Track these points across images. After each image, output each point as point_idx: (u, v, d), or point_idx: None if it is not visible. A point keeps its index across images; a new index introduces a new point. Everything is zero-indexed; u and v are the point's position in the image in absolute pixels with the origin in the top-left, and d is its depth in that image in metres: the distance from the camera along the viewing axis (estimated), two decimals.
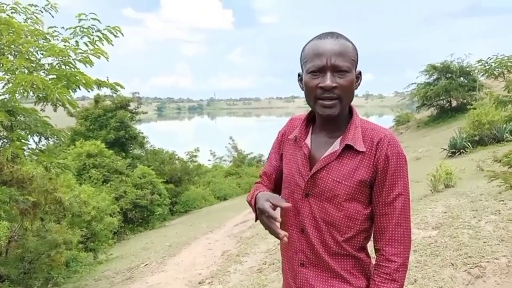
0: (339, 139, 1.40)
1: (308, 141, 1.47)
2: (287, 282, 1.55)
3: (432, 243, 3.89)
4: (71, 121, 17.80)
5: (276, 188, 1.63)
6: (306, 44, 1.43)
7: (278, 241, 4.66)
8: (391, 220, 1.36)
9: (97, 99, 17.82)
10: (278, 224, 1.37)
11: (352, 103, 1.46)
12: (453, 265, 3.38)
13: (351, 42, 1.41)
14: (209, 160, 25.64)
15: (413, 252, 3.81)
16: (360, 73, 1.44)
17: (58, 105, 6.56)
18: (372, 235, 1.44)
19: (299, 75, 1.47)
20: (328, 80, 1.34)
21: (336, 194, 1.37)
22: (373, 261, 1.45)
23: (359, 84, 1.44)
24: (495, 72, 8.72)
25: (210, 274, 5.39)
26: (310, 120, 1.51)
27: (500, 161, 8.36)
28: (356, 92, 1.47)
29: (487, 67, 8.73)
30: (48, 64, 6.29)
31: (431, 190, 6.53)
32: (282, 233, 1.34)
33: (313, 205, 1.41)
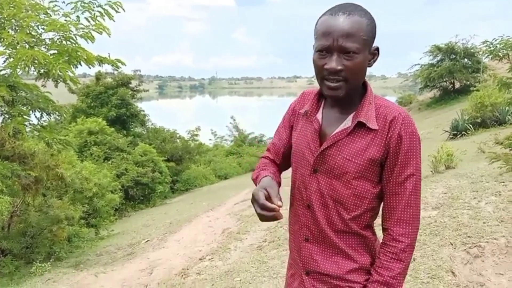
0: (351, 116, 1.37)
1: (319, 116, 1.44)
2: (293, 255, 1.55)
3: (431, 222, 3.91)
4: (72, 98, 17.74)
5: (284, 161, 1.62)
6: (319, 18, 1.36)
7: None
8: (401, 200, 1.34)
9: (98, 76, 17.73)
10: (271, 213, 1.31)
11: None
12: (452, 244, 3.40)
13: (367, 16, 1.32)
14: (210, 139, 25.67)
15: None
16: (377, 49, 1.36)
17: (59, 81, 6.54)
18: (381, 214, 1.43)
19: (313, 46, 1.39)
20: (333, 62, 1.29)
21: (346, 171, 1.35)
22: (380, 239, 1.44)
23: (375, 61, 1.38)
24: (500, 53, 8.64)
25: (211, 250, 5.45)
26: (322, 94, 1.46)
27: (502, 143, 8.35)
28: None
29: (492, 48, 8.65)
30: (49, 39, 6.24)
31: (431, 171, 6.55)
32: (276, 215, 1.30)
33: (321, 181, 1.39)
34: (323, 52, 1.31)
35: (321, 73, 1.33)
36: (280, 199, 1.34)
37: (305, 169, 1.44)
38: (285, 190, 1.52)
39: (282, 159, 1.62)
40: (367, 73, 1.42)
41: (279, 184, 1.51)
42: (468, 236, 3.44)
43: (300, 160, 1.46)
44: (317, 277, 1.43)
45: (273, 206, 1.30)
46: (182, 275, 4.51)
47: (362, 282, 1.39)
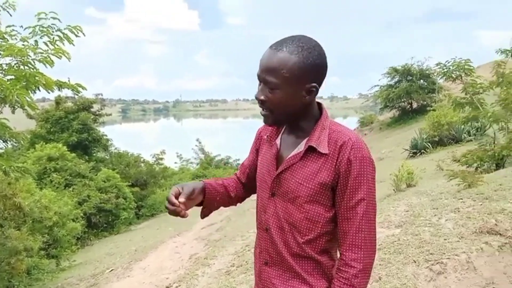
0: (305, 140, 1.39)
1: (278, 140, 1.49)
2: (256, 279, 1.56)
3: (395, 241, 3.99)
4: (31, 123, 17.21)
5: (249, 182, 1.68)
6: None
7: (247, 242, 4.74)
8: (352, 225, 1.34)
9: (58, 101, 17.32)
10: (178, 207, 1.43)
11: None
12: (415, 262, 3.48)
13: (300, 55, 1.31)
14: (175, 162, 25.35)
15: (377, 250, 3.88)
16: (314, 87, 1.35)
17: (16, 107, 6.34)
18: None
19: None
20: (258, 92, 1.37)
21: (298, 195, 1.37)
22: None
23: (312, 97, 1.37)
24: (453, 74, 9.08)
25: (178, 278, 5.34)
26: None
27: (459, 160, 8.71)
28: (321, 94, 1.45)
29: (446, 70, 9.08)
30: (6, 64, 6.07)
31: (394, 190, 6.71)
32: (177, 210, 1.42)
33: (278, 205, 1.42)
34: (259, 80, 1.38)
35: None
36: (187, 198, 1.44)
37: (265, 192, 1.47)
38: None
39: (247, 179, 1.69)
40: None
41: (211, 196, 1.58)
42: (431, 253, 3.53)
43: (261, 184, 1.50)
44: None
45: (174, 201, 1.41)
46: None
47: None
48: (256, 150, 1.64)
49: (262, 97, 1.36)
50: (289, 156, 1.41)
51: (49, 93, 6.55)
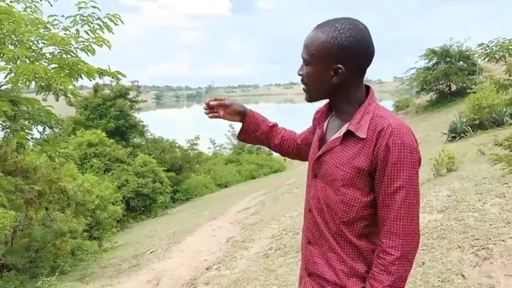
0: (346, 124, 1.40)
1: (325, 124, 1.52)
2: (302, 257, 1.59)
3: (438, 226, 3.93)
4: (71, 110, 17.74)
5: (302, 145, 1.80)
6: None
7: (283, 226, 4.80)
8: (390, 212, 1.33)
9: (96, 88, 17.73)
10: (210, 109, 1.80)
11: None
12: (460, 247, 3.42)
13: (331, 35, 1.34)
14: (209, 148, 25.65)
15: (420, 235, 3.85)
16: (340, 68, 1.36)
17: (60, 94, 6.56)
18: None
19: None
20: (299, 68, 1.47)
21: (335, 178, 1.38)
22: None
23: (339, 79, 1.38)
24: (496, 55, 8.73)
25: (217, 260, 5.45)
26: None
27: (501, 144, 8.41)
28: None
29: (488, 50, 8.74)
30: (50, 53, 6.27)
31: (434, 175, 6.56)
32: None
33: (318, 186, 1.45)
34: None
35: None
36: (219, 104, 1.77)
37: (309, 173, 1.51)
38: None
39: (301, 142, 1.81)
40: (365, 78, 1.46)
41: (252, 125, 1.80)
42: (476, 239, 3.46)
43: (308, 164, 1.55)
44: (317, 280, 1.46)
45: (207, 101, 1.79)
46: (190, 285, 4.51)
47: None
48: (313, 129, 1.69)
49: (300, 72, 1.46)
50: (330, 140, 1.43)
51: (90, 80, 6.73)
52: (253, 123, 1.80)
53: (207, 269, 5.06)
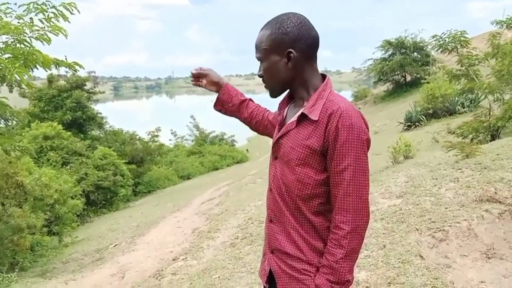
0: (302, 109, 1.52)
1: (286, 110, 1.66)
2: (265, 240, 1.69)
3: (397, 211, 4.11)
4: (23, 102, 17.03)
5: (269, 124, 1.93)
6: None
7: (249, 216, 4.88)
8: (340, 189, 1.43)
9: (50, 79, 17.07)
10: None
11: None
12: (418, 230, 3.60)
13: (275, 27, 1.51)
14: (170, 139, 25.30)
15: (380, 220, 4.02)
16: (290, 52, 1.50)
17: (14, 85, 6.30)
18: None
19: None
20: (258, 70, 1.60)
21: (290, 158, 1.49)
22: None
23: (294, 61, 1.51)
24: (449, 46, 9.10)
25: (183, 251, 5.45)
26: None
27: (454, 132, 8.83)
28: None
29: (442, 42, 9.09)
30: (3, 42, 6.00)
31: (392, 162, 6.82)
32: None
33: (277, 167, 1.56)
34: None
35: None
36: (199, 73, 1.95)
37: (271, 155, 1.63)
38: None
39: (268, 121, 1.94)
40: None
41: (230, 101, 1.94)
42: (432, 222, 3.65)
43: (270, 147, 1.66)
44: (279, 255, 1.56)
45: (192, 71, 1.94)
46: (157, 277, 4.50)
47: (316, 264, 1.50)
48: (277, 115, 1.79)
49: (259, 73, 1.59)
50: (287, 123, 1.55)
51: (46, 71, 6.51)
52: (227, 95, 1.94)
53: (173, 260, 5.06)
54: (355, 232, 1.43)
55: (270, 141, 1.72)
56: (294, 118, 1.53)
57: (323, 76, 1.58)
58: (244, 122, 2.00)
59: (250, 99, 1.99)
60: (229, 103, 1.95)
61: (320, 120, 1.45)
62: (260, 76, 1.60)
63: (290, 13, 1.54)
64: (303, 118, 1.49)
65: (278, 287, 1.56)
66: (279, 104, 1.71)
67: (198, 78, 1.95)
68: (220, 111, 2.00)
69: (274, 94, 1.62)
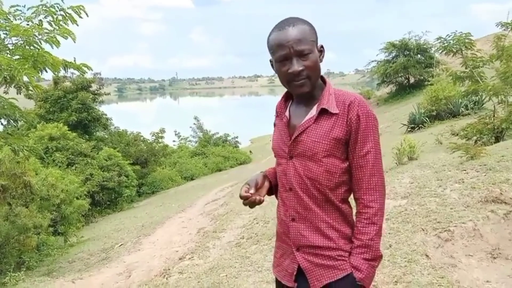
0: (315, 106, 1.60)
1: (287, 113, 1.69)
2: (280, 238, 1.71)
3: (402, 211, 4.14)
4: (29, 103, 17.14)
5: None
6: (269, 36, 1.61)
7: (254, 216, 4.93)
8: (365, 171, 1.55)
9: (56, 80, 17.18)
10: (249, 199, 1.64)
11: None
12: (423, 230, 3.64)
13: (308, 23, 1.58)
14: (174, 141, 25.43)
15: (385, 220, 4.06)
16: (322, 46, 1.62)
17: (22, 87, 6.36)
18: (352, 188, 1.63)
19: (270, 61, 1.66)
20: (295, 66, 1.54)
21: (316, 151, 1.56)
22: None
23: (323, 57, 1.62)
24: (453, 48, 9.11)
25: (189, 250, 5.50)
26: (289, 97, 1.72)
27: (458, 134, 8.84)
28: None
29: (446, 44, 9.11)
30: (12, 44, 6.07)
31: (396, 163, 6.85)
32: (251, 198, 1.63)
33: (297, 165, 1.60)
34: (283, 61, 1.57)
35: (287, 78, 1.59)
36: (256, 188, 1.66)
37: (283, 158, 1.66)
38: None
39: None
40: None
41: (275, 179, 1.75)
42: (438, 222, 3.68)
43: (278, 151, 1.69)
44: (308, 250, 1.60)
45: (245, 194, 1.62)
46: (164, 275, 4.55)
47: (348, 249, 1.57)
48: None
49: (301, 67, 1.55)
50: (304, 121, 1.60)
51: (55, 74, 6.57)
52: (274, 175, 1.77)
53: (180, 259, 5.11)
54: (382, 209, 1.57)
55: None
56: (311, 115, 1.59)
57: (321, 76, 1.67)
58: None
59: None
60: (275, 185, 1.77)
61: (340, 112, 1.56)
62: (301, 70, 1.54)
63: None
64: (321, 113, 1.57)
65: (310, 282, 1.59)
66: (278, 109, 1.74)
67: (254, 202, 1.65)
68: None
69: (312, 88, 1.59)
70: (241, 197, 1.64)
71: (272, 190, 1.77)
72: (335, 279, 1.55)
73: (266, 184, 1.73)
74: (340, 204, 1.59)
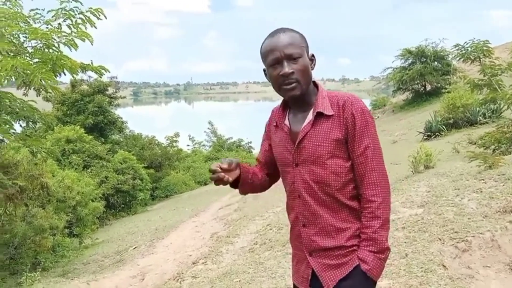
0: (311, 111, 1.63)
1: (286, 121, 1.72)
2: (295, 245, 1.75)
3: (419, 220, 4.09)
4: (47, 106, 17.42)
5: (269, 169, 1.85)
6: (262, 44, 1.66)
7: (267, 222, 4.90)
8: (366, 167, 1.58)
9: (73, 84, 17.44)
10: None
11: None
12: (440, 240, 3.58)
13: (298, 33, 1.65)
14: (188, 145, 25.53)
15: (401, 228, 4.01)
16: (313, 55, 1.67)
17: (41, 90, 6.47)
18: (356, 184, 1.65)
19: (264, 70, 1.70)
20: (285, 68, 1.58)
21: (319, 155, 1.59)
22: None
23: (314, 65, 1.67)
24: (471, 56, 9.00)
25: (202, 255, 5.51)
26: (286, 105, 1.75)
27: (475, 143, 8.70)
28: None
29: (464, 51, 9.00)
30: (32, 47, 6.18)
31: (412, 171, 6.76)
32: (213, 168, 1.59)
33: (303, 171, 1.63)
34: (275, 64, 1.61)
35: (278, 81, 1.62)
36: (227, 167, 1.59)
37: (288, 166, 1.69)
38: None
39: (268, 169, 1.85)
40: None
41: (246, 173, 1.72)
42: (455, 232, 3.62)
43: (283, 161, 1.71)
44: (320, 254, 1.64)
45: (214, 168, 1.58)
46: (178, 279, 4.56)
47: (358, 244, 1.60)
48: (268, 142, 1.83)
49: (291, 70, 1.59)
50: (303, 127, 1.64)
51: (73, 77, 6.68)
52: (245, 170, 1.74)
53: (193, 263, 5.12)
54: (385, 202, 1.59)
55: None
56: (308, 120, 1.63)
57: (313, 82, 1.71)
58: (260, 188, 1.86)
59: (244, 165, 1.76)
60: (248, 176, 1.75)
61: (335, 113, 1.60)
62: (291, 73, 1.57)
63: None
64: (317, 117, 1.61)
65: (324, 283, 1.61)
66: (277, 119, 1.74)
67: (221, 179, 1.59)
68: (246, 193, 1.85)
69: (303, 92, 1.62)
70: (210, 170, 1.59)
71: (238, 182, 1.71)
72: (345, 274, 1.60)
73: (237, 171, 1.67)
74: (349, 202, 1.62)
